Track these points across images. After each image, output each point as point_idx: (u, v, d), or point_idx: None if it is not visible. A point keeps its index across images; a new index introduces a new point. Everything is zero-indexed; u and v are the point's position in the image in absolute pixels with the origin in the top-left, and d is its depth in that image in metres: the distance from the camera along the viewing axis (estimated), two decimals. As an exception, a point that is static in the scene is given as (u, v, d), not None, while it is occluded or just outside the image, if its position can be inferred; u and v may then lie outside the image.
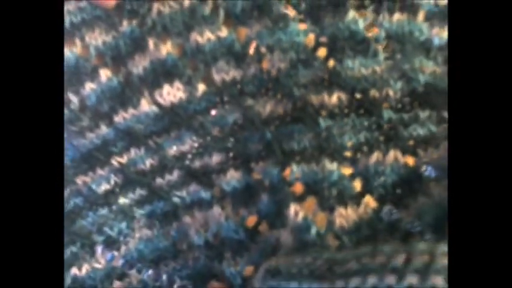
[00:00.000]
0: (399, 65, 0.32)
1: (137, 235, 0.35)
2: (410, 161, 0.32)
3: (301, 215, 0.31)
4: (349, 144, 0.32)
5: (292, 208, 0.31)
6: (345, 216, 0.30)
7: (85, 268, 0.35)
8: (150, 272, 0.35)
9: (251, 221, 0.34)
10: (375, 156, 0.32)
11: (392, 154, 0.32)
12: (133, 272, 0.35)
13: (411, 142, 0.32)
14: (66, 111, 0.34)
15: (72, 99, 0.34)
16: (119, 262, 0.35)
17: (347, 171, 0.32)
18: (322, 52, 0.33)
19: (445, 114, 0.32)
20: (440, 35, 0.33)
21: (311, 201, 0.32)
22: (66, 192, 0.35)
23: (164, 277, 0.35)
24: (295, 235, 0.31)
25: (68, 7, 0.33)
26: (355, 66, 0.32)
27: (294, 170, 0.32)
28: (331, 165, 0.32)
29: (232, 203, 0.34)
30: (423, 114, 0.32)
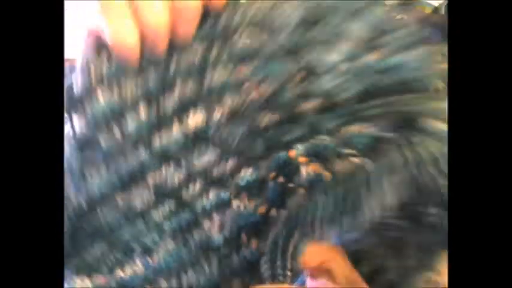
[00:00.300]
0: None
1: (165, 245, 0.41)
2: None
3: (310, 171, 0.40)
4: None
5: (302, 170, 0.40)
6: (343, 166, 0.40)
7: (121, 274, 0.41)
8: (175, 279, 0.41)
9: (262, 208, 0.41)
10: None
11: None
12: (161, 279, 0.41)
13: None
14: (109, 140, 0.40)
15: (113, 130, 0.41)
16: (150, 270, 0.41)
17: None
18: None
19: None
20: None
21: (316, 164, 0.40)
22: (106, 207, 0.40)
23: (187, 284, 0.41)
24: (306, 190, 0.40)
25: (99, 65, 0.39)
26: None
27: (299, 148, 0.40)
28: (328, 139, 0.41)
29: (247, 195, 0.41)
30: None
